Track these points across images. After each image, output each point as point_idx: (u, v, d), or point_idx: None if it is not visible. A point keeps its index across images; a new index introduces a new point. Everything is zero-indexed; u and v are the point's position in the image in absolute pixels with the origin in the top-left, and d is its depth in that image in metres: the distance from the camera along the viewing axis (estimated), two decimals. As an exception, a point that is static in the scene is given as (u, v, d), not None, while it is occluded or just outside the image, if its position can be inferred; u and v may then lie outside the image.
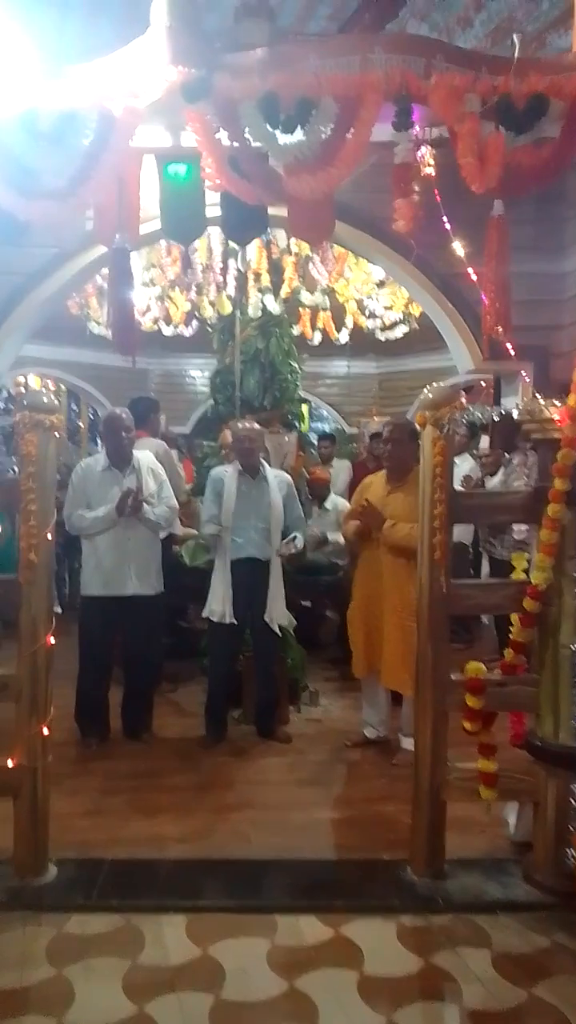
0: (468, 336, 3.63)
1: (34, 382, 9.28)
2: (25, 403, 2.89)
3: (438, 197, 2.98)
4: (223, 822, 3.54)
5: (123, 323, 2.69)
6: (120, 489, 4.20)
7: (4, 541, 7.06)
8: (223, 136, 2.60)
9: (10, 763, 2.97)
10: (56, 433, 2.98)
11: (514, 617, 2.98)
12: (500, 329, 2.97)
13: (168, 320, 6.28)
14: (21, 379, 9.04)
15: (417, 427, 3.09)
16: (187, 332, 6.43)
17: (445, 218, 3.05)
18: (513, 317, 3.01)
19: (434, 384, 3.07)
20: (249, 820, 3.56)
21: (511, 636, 2.99)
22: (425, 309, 4.05)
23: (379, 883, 3.07)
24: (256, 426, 4.49)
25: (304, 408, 11.08)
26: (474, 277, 3.10)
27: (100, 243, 2.75)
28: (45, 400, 2.94)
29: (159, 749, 4.36)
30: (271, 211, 2.79)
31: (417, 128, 2.72)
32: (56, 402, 2.94)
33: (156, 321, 6.24)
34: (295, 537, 4.39)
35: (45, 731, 3.00)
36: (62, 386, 9.29)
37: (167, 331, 6.39)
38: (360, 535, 4.24)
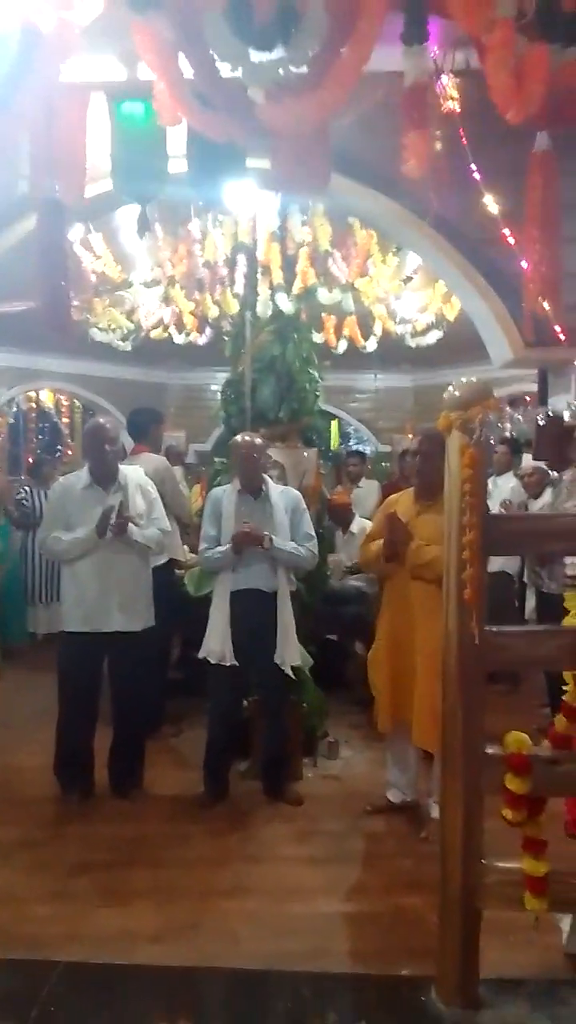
0: (505, 318, 2.96)
1: (47, 397, 8.87)
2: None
3: (464, 140, 2.39)
4: (209, 914, 2.91)
5: (52, 292, 2.14)
6: (104, 509, 3.67)
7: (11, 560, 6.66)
8: (183, 59, 2.06)
9: None
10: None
11: (568, 675, 2.32)
12: (546, 304, 2.34)
13: (180, 327, 5.77)
14: (32, 394, 8.64)
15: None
16: (201, 340, 5.91)
17: (474, 166, 2.44)
18: (564, 293, 2.38)
19: (462, 379, 2.45)
20: (241, 912, 2.92)
21: (565, 699, 2.33)
22: (450, 286, 3.42)
23: (396, 1012, 2.42)
24: (258, 439, 3.92)
25: (334, 424, 10.60)
26: (512, 241, 2.47)
27: (33, 198, 2.22)
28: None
29: (148, 809, 3.77)
30: (255, 165, 2.23)
31: (436, 50, 2.16)
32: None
33: (166, 328, 5.73)
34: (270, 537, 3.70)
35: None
36: (76, 401, 8.87)
37: (179, 339, 5.88)
38: (387, 556, 3.59)
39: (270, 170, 2.11)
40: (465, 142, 2.43)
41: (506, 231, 2.51)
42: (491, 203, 2.49)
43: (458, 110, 2.38)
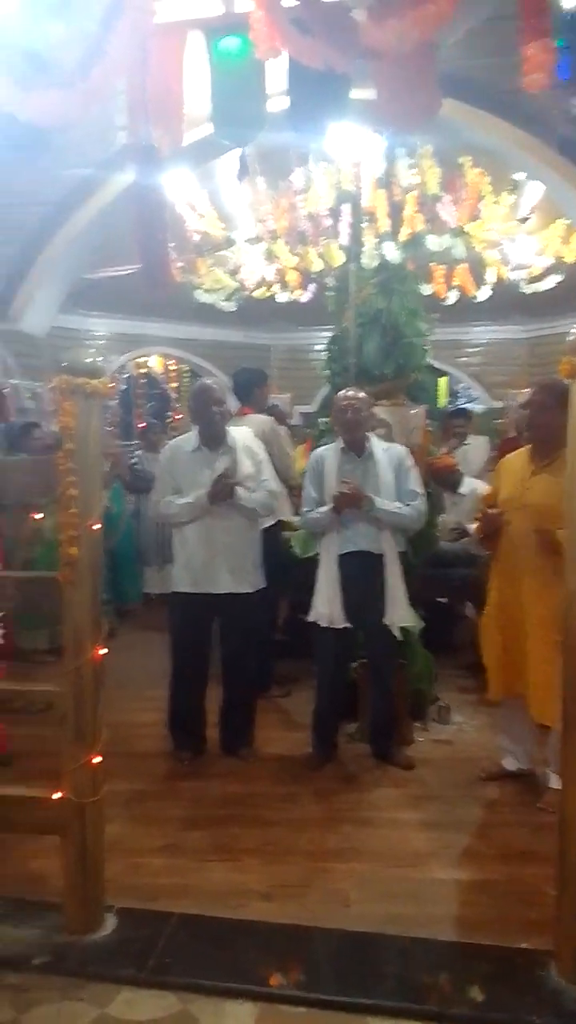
0: None
1: (155, 363, 9.00)
2: (63, 365, 2.38)
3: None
4: (319, 874, 2.91)
5: (150, 246, 2.09)
6: (212, 472, 3.66)
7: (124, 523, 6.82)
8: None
9: (56, 795, 2.49)
10: (101, 401, 2.45)
11: None
12: None
13: (283, 285, 5.67)
14: (141, 360, 8.78)
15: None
16: (303, 298, 5.78)
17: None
18: None
19: (589, 320, 2.24)
20: (351, 874, 2.90)
21: None
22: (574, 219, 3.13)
23: (511, 985, 2.33)
24: (361, 394, 3.80)
25: (442, 381, 10.21)
26: None
27: (133, 143, 2.16)
28: (87, 361, 2.41)
29: (258, 769, 3.80)
30: (358, 95, 2.08)
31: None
32: (101, 364, 2.41)
33: (269, 286, 5.64)
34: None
35: (97, 760, 2.49)
36: (183, 366, 8.96)
37: (281, 297, 5.77)
38: (487, 548, 3.53)
39: (375, 101, 1.96)
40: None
41: None
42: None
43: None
